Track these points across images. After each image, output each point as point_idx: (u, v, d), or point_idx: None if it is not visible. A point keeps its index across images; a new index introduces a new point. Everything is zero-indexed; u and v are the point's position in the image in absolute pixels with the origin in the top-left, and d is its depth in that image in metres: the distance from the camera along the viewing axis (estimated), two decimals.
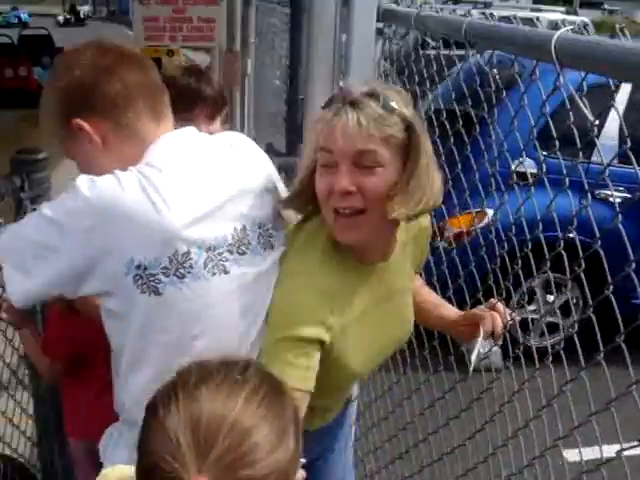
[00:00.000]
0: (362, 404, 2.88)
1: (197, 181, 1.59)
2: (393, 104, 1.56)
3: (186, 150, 1.64)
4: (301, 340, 1.59)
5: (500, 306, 1.85)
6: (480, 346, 1.74)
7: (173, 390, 1.16)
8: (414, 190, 1.58)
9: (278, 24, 5.50)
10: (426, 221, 1.90)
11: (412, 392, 2.52)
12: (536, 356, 1.88)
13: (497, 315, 1.81)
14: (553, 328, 4.56)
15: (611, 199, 3.62)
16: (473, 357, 1.74)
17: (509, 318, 1.84)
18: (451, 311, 2.06)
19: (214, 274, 1.58)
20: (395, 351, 2.03)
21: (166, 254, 1.52)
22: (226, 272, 1.60)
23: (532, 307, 4.62)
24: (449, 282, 2.23)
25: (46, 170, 2.47)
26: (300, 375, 1.59)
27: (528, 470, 1.88)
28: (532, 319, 4.46)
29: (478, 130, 1.99)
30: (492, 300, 1.90)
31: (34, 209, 2.00)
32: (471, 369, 1.73)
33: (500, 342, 1.83)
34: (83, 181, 1.52)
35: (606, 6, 48.80)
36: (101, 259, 1.51)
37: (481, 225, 3.36)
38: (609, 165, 1.50)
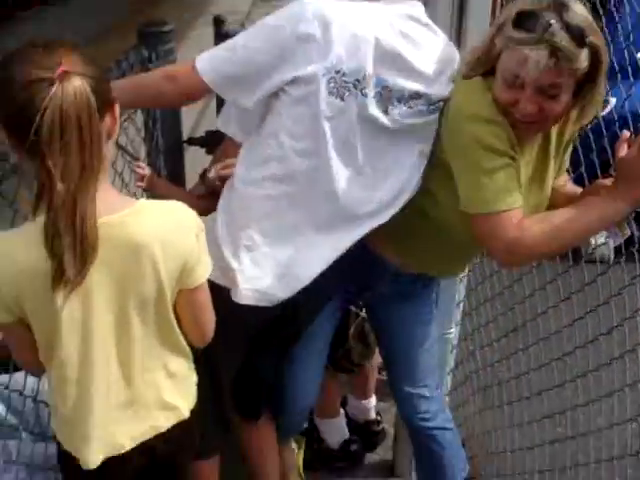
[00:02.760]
0: (467, 289, 2.92)
1: None
2: (587, 38, 1.64)
3: None
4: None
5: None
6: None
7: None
8: (591, 108, 1.79)
9: None
10: None
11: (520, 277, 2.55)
12: None
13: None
14: None
15: None
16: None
17: None
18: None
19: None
20: None
21: (363, 71, 1.82)
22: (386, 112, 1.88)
23: None
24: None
25: (172, 42, 2.52)
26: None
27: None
28: None
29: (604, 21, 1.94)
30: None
31: None
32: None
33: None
34: None
35: None
36: (307, 48, 1.79)
37: (605, 112, 3.26)
38: None
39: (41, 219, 1.39)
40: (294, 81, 1.81)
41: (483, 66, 1.80)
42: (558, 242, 1.76)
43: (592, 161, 2.13)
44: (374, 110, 1.86)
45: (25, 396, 1.93)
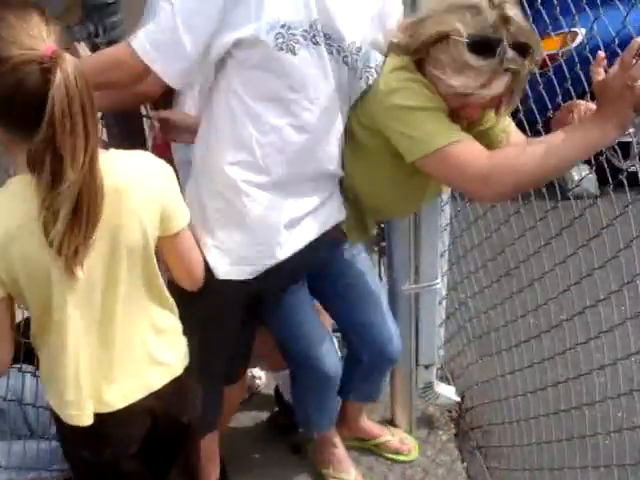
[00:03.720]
0: (451, 236, 2.86)
1: None
2: (530, 51, 1.71)
3: None
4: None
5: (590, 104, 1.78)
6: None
7: None
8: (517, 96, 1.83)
9: None
10: None
11: (505, 221, 2.49)
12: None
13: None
14: None
15: None
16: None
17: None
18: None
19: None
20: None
21: (308, 19, 1.74)
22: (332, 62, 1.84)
23: (631, 130, 4.39)
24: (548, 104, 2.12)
25: (119, 14, 2.41)
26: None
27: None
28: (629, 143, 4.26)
29: None
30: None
31: None
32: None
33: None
34: None
35: None
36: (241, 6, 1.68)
37: (575, 45, 3.20)
38: None
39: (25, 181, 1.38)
40: (237, 44, 1.72)
41: (413, 54, 1.81)
42: (538, 166, 1.66)
43: (568, 92, 2.04)
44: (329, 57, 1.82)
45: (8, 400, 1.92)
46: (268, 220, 1.87)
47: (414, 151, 1.77)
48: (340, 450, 2.70)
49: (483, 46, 1.69)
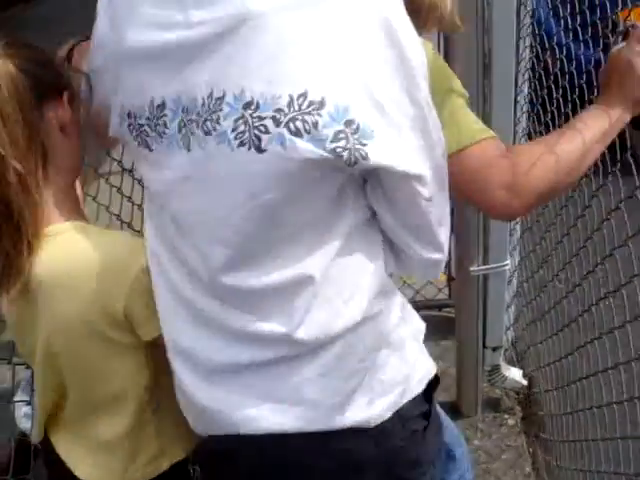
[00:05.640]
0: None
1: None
2: None
3: None
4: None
5: None
6: None
7: None
8: None
9: None
10: None
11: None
12: None
13: None
14: None
15: None
16: None
17: None
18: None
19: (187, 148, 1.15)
20: None
21: (145, 101, 1.17)
22: (189, 150, 1.15)
23: None
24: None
25: None
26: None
27: None
28: None
29: None
30: None
31: None
32: None
33: None
34: None
35: None
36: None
37: None
38: None
39: None
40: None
41: None
42: (563, 168, 1.37)
43: None
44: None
45: None
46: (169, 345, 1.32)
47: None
48: None
49: None
